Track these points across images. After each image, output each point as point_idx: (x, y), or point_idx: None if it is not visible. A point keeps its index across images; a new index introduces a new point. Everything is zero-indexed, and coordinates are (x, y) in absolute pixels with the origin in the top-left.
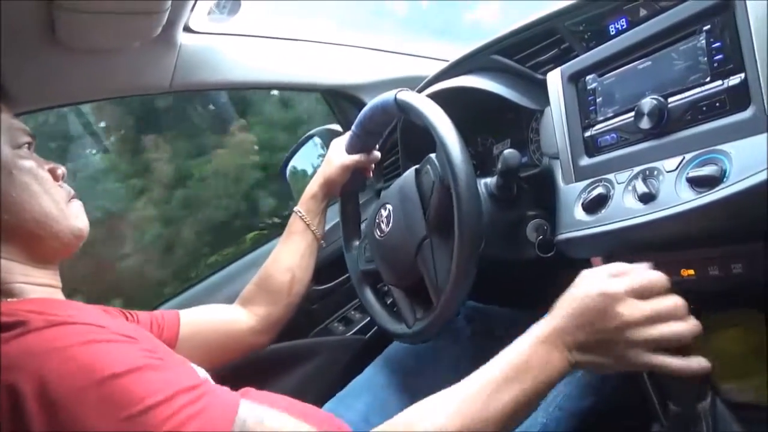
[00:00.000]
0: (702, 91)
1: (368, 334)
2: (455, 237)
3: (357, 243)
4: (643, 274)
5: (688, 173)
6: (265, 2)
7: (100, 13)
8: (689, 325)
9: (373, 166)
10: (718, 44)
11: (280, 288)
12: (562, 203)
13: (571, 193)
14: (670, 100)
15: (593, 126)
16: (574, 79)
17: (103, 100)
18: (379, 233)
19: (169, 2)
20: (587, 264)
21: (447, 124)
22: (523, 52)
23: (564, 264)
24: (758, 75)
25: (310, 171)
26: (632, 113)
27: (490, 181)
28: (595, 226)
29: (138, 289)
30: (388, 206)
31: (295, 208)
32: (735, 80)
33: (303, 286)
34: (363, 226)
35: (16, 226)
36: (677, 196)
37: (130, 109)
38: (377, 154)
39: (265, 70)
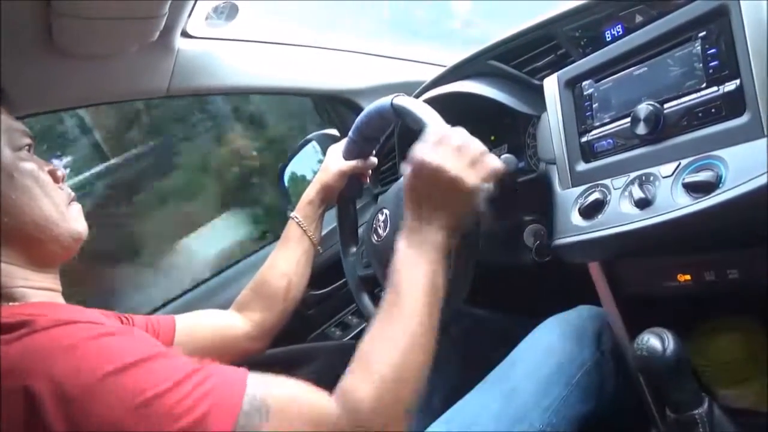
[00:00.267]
0: (698, 97)
1: None
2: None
3: (354, 249)
4: (456, 138)
5: (684, 179)
6: (256, 3)
7: (98, 18)
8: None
9: (370, 171)
10: (713, 50)
11: (275, 294)
12: (558, 208)
13: (568, 198)
14: (666, 106)
15: (590, 131)
16: (571, 85)
17: (100, 104)
18: (376, 238)
19: (167, 7)
20: (584, 269)
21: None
22: (520, 57)
23: (561, 269)
24: (753, 81)
25: (309, 176)
26: (628, 119)
27: (487, 186)
28: (591, 232)
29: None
30: (386, 211)
31: (292, 214)
32: (730, 86)
33: (299, 291)
34: (360, 231)
35: (16, 229)
36: (673, 202)
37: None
38: (374, 160)
39: (263, 74)
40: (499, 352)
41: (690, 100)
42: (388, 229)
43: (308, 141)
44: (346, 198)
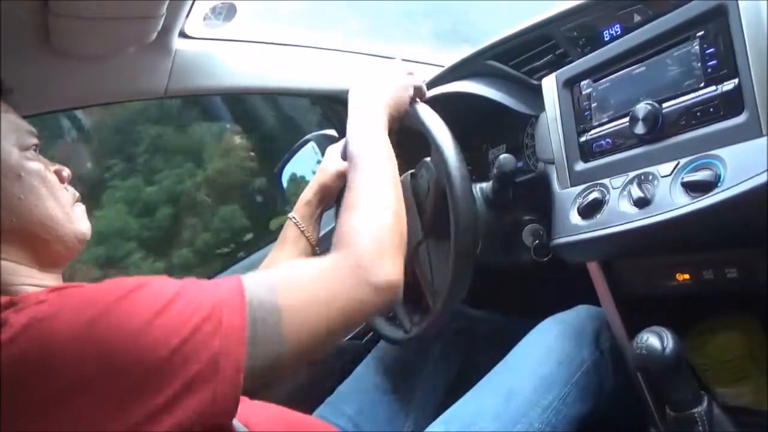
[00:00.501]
0: (696, 97)
1: (365, 339)
2: (451, 238)
3: None
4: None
5: (682, 178)
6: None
7: (95, 18)
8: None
9: None
10: (711, 50)
11: None
12: (557, 208)
13: (567, 197)
14: (664, 105)
15: (588, 131)
16: (569, 85)
17: (98, 105)
18: None
19: (165, 8)
20: (583, 268)
21: (441, 127)
22: (519, 57)
23: (559, 269)
24: (752, 80)
25: (309, 176)
26: (627, 118)
27: (486, 186)
28: (590, 231)
29: None
30: None
31: (290, 215)
32: (729, 86)
33: None
34: None
35: (22, 229)
36: (672, 201)
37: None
38: None
39: (261, 75)
40: (497, 352)
41: (688, 100)
42: None
43: (307, 141)
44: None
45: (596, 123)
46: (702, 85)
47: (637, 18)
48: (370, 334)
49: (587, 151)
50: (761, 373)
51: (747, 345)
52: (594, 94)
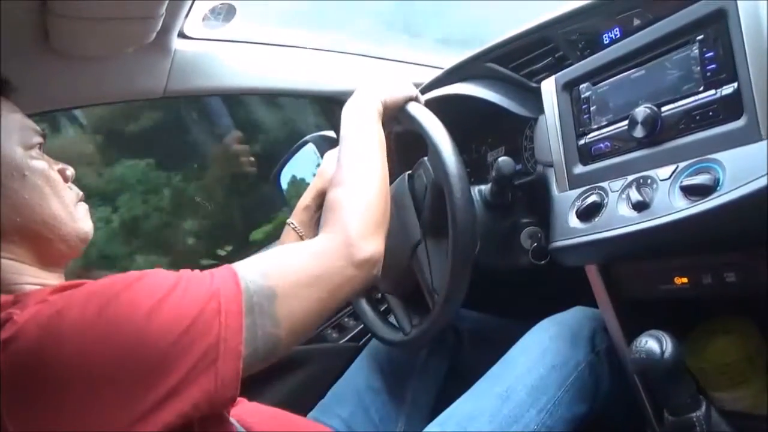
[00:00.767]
0: (695, 100)
1: (362, 341)
2: (449, 237)
3: None
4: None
5: (681, 182)
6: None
7: (95, 18)
8: None
9: None
10: (711, 54)
11: None
12: (556, 211)
13: (565, 200)
14: (663, 108)
15: (587, 134)
16: (569, 88)
17: (97, 105)
18: None
19: (164, 8)
20: (581, 271)
21: (438, 127)
22: (518, 60)
23: (557, 272)
24: (751, 84)
25: (309, 178)
26: (626, 122)
27: (485, 188)
28: (589, 234)
29: None
30: None
31: (288, 220)
32: (728, 89)
33: None
34: None
35: (25, 228)
36: (671, 205)
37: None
38: None
39: (260, 76)
40: (494, 353)
41: (687, 103)
42: None
43: (305, 143)
44: None
45: (595, 126)
46: (701, 88)
47: (636, 22)
48: (368, 336)
49: (586, 154)
50: (759, 377)
51: (745, 349)
52: (593, 97)
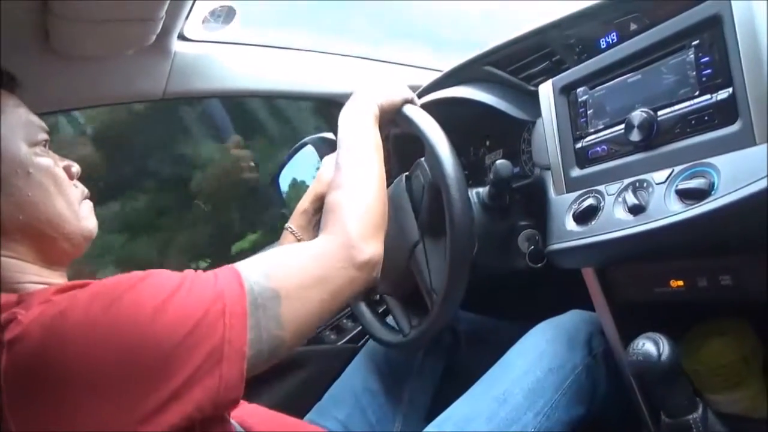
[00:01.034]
0: (691, 105)
1: (360, 343)
2: (447, 237)
3: None
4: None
5: (677, 185)
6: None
7: (95, 20)
8: None
9: None
10: (706, 59)
11: None
12: (553, 214)
13: (562, 203)
14: (659, 113)
15: (584, 138)
16: (566, 91)
17: (96, 107)
18: None
19: (164, 10)
20: (578, 274)
21: (434, 128)
22: (516, 63)
23: (554, 275)
24: (746, 89)
25: (309, 181)
26: (622, 125)
27: (482, 191)
28: (585, 237)
29: None
30: None
31: (287, 225)
32: (723, 94)
33: None
34: None
35: (28, 226)
36: (666, 208)
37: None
38: None
39: (260, 78)
40: (491, 355)
41: (683, 108)
42: None
43: (303, 145)
44: None
45: (592, 130)
46: (697, 93)
47: (633, 26)
48: (366, 337)
49: (583, 158)
50: (755, 380)
51: (740, 351)
52: (590, 101)
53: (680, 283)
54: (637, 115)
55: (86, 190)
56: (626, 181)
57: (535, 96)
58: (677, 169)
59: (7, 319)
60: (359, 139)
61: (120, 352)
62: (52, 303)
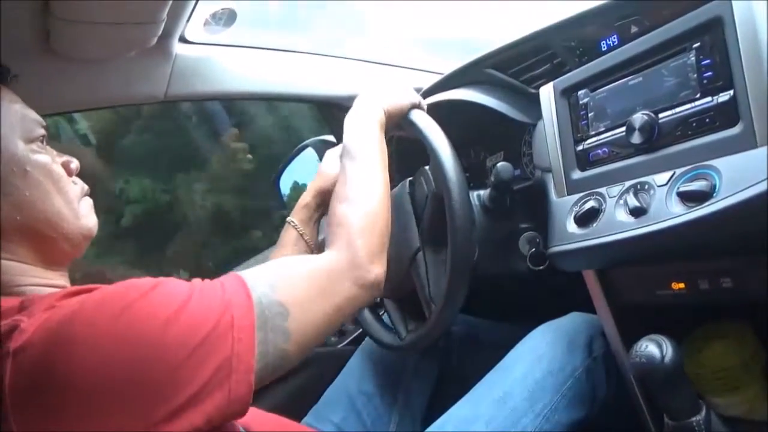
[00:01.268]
0: (692, 107)
1: (361, 345)
2: (448, 250)
3: None
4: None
5: (678, 188)
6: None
7: (96, 22)
8: None
9: None
10: (707, 61)
11: None
12: (554, 216)
13: (564, 206)
14: (660, 115)
15: (585, 140)
16: (567, 94)
17: (97, 109)
18: None
19: (166, 12)
20: (579, 277)
21: (441, 138)
22: (517, 66)
23: (555, 277)
24: (747, 92)
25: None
26: (623, 128)
27: (483, 193)
28: (586, 239)
29: None
30: None
31: (288, 218)
32: (724, 97)
33: None
34: None
35: (26, 226)
36: (668, 211)
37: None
38: None
39: (260, 80)
40: (485, 356)
41: (684, 110)
42: None
43: (304, 147)
44: None
45: (593, 132)
46: (698, 96)
47: (633, 29)
48: (367, 339)
49: (584, 160)
50: (755, 383)
51: (741, 354)
52: (591, 103)
53: (681, 285)
54: (639, 117)
55: (86, 187)
56: (627, 184)
57: (536, 98)
58: (678, 171)
59: (11, 327)
60: (365, 147)
61: (129, 364)
62: (56, 310)
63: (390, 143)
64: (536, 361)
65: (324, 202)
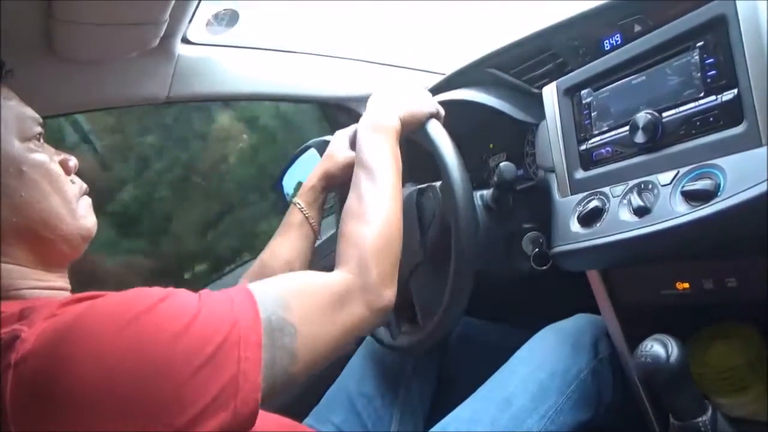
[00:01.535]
0: (696, 106)
1: (362, 344)
2: (450, 273)
3: None
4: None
5: (683, 187)
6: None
7: (98, 23)
8: None
9: None
10: (711, 60)
11: None
12: (557, 216)
13: (567, 206)
14: (664, 114)
15: (588, 140)
16: (570, 93)
17: (99, 110)
18: None
19: (168, 13)
20: (582, 277)
21: (454, 157)
22: (520, 66)
23: (559, 277)
24: (751, 90)
25: None
26: (627, 127)
27: (486, 193)
28: (590, 239)
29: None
30: None
31: (294, 200)
32: (728, 95)
33: None
34: None
35: (23, 228)
36: (672, 210)
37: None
38: None
39: (263, 81)
40: (496, 361)
41: (688, 109)
42: None
43: (307, 148)
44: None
45: (596, 132)
46: (702, 94)
47: (637, 28)
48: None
49: (587, 160)
50: (761, 383)
51: (746, 354)
52: (594, 102)
53: (686, 285)
54: (642, 116)
55: (84, 185)
56: (631, 183)
57: (538, 98)
58: (683, 170)
59: (11, 338)
60: (381, 161)
61: (132, 380)
62: (58, 318)
63: (401, 145)
64: (541, 363)
65: (330, 185)
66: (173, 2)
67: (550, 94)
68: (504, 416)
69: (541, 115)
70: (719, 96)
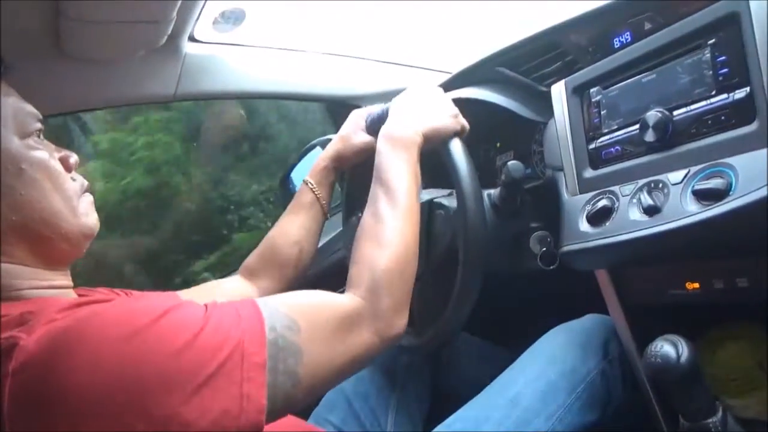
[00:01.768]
0: (707, 105)
1: None
2: (455, 292)
3: (355, 218)
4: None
5: (694, 186)
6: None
7: (106, 22)
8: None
9: None
10: (723, 58)
11: (287, 262)
12: (566, 215)
13: (576, 205)
14: (675, 113)
15: (598, 138)
16: (579, 92)
17: (106, 108)
18: None
19: (175, 12)
20: (591, 276)
21: (471, 182)
22: (528, 64)
23: (567, 277)
24: (763, 89)
25: None
26: (637, 126)
27: (494, 192)
28: (599, 239)
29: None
30: None
31: (305, 178)
32: (740, 94)
33: (309, 260)
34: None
35: (23, 227)
36: (683, 209)
37: None
38: None
39: (269, 80)
40: (503, 361)
41: (699, 108)
42: None
43: (313, 146)
44: (361, 170)
45: (606, 130)
46: (713, 93)
47: (647, 26)
48: None
49: (596, 159)
50: None
51: (755, 355)
52: (603, 101)
53: (696, 285)
54: (652, 115)
55: (85, 182)
56: (641, 182)
57: (547, 96)
58: (694, 169)
59: (10, 345)
60: (400, 181)
61: (131, 395)
62: (58, 324)
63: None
64: (550, 362)
65: (342, 166)
66: (180, 1)
67: (558, 92)
68: (511, 416)
69: (550, 113)
70: (731, 94)
